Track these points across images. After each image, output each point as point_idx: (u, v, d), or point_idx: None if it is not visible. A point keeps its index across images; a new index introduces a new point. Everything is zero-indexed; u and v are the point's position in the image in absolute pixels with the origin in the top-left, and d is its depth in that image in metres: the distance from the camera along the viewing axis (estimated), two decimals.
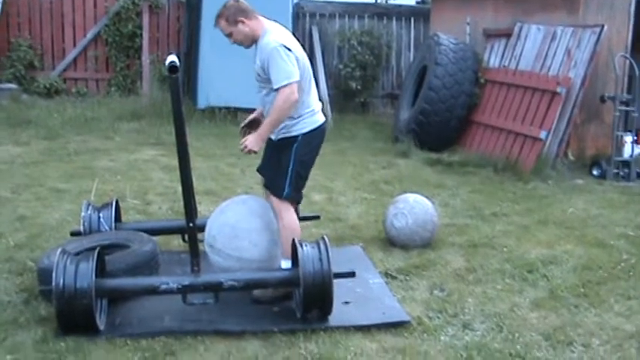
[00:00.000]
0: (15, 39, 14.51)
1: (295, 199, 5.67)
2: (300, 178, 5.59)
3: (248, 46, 5.50)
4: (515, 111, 10.80)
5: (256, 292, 5.52)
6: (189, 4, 14.66)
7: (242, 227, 5.55)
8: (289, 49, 5.33)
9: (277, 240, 5.55)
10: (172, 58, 4.65)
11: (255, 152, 5.39)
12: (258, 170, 5.94)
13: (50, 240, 6.74)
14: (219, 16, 5.49)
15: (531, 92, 10.60)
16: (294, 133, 5.48)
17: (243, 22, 5.43)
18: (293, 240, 5.30)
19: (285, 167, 5.49)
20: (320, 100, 5.86)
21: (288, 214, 5.50)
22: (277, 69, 5.25)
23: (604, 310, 5.62)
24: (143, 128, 12.26)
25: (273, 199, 5.51)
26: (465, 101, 11.37)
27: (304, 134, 5.50)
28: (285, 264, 5.44)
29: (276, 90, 5.26)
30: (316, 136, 5.60)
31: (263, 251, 5.54)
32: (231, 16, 5.43)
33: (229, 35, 5.52)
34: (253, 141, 5.34)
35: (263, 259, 5.53)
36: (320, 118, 5.64)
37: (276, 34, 5.41)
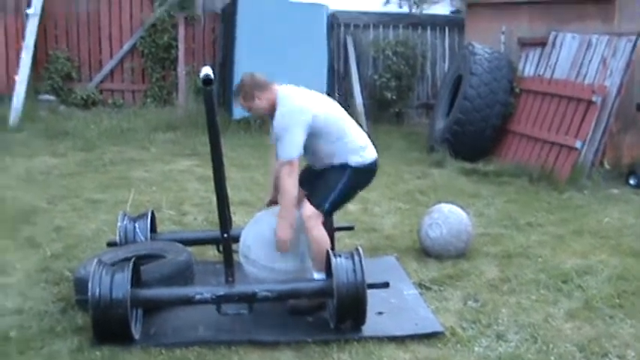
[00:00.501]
0: (53, 51, 14.67)
1: (327, 215, 5.71)
2: (342, 201, 5.68)
3: (271, 116, 5.57)
4: (550, 120, 10.74)
5: (292, 302, 5.53)
6: (224, 15, 14.75)
7: (270, 235, 5.56)
8: (303, 112, 5.43)
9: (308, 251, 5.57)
10: (207, 70, 4.69)
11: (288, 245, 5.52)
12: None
13: (86, 250, 6.81)
14: (237, 94, 5.61)
15: (566, 101, 10.53)
16: (348, 162, 5.57)
17: (259, 98, 5.53)
18: (327, 251, 5.32)
19: (335, 183, 5.56)
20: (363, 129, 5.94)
21: (318, 227, 5.50)
22: (282, 144, 5.40)
23: None
24: (178, 139, 12.32)
25: (305, 210, 5.51)
26: (499, 111, 11.33)
27: (358, 167, 5.60)
28: (318, 277, 5.46)
29: (278, 159, 5.44)
30: (367, 172, 5.71)
31: (297, 262, 5.57)
32: (248, 93, 5.55)
33: (249, 110, 5.68)
34: (282, 233, 5.46)
35: (297, 269, 5.55)
36: (370, 155, 5.72)
37: (287, 104, 5.50)
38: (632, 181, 10.08)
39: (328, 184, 5.57)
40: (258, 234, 5.65)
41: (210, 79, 4.67)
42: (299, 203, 5.57)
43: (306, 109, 5.46)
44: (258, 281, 5.49)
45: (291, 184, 5.39)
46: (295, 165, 5.39)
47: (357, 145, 5.64)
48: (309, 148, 5.50)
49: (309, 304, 5.54)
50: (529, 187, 9.79)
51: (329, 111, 5.65)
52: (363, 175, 5.68)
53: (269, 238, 5.55)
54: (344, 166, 5.57)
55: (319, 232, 5.50)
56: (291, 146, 5.36)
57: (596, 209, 8.80)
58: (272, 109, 5.53)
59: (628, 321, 5.57)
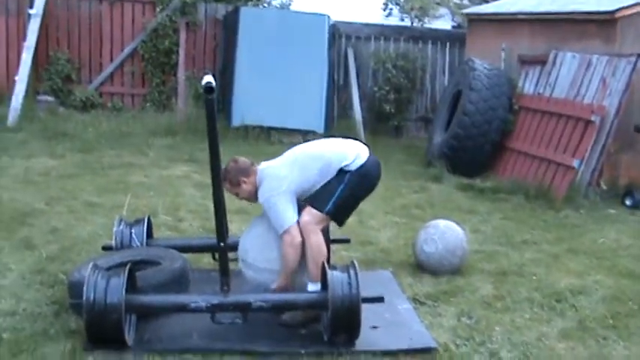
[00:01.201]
0: (54, 52, 14.68)
1: (337, 220, 5.75)
2: (346, 203, 5.65)
3: (256, 200, 5.69)
4: (548, 138, 10.78)
5: (285, 316, 5.52)
6: (226, 22, 14.78)
7: (272, 238, 5.57)
8: (280, 184, 5.52)
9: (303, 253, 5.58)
10: (209, 78, 4.68)
11: None
12: None
13: (82, 253, 6.80)
14: (224, 180, 5.61)
15: (565, 120, 10.57)
16: (344, 169, 5.58)
17: (245, 182, 5.64)
18: (323, 263, 5.32)
19: (334, 187, 5.55)
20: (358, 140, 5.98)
21: (315, 236, 5.49)
22: (273, 219, 5.51)
23: (633, 343, 5.58)
24: (177, 144, 12.33)
25: (304, 218, 5.50)
26: (498, 127, 11.35)
27: (357, 168, 5.59)
28: (312, 287, 5.45)
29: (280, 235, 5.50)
30: (368, 173, 5.69)
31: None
32: (233, 179, 5.66)
33: (236, 195, 5.77)
34: (282, 282, 5.56)
35: (295, 271, 5.55)
36: (364, 154, 5.70)
37: (265, 184, 5.59)
38: (628, 202, 10.12)
39: (329, 187, 5.56)
40: (254, 237, 5.68)
41: (212, 88, 4.65)
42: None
43: (282, 182, 5.52)
44: (257, 284, 5.54)
45: (291, 254, 5.44)
46: (293, 232, 5.44)
47: (346, 156, 5.62)
48: (302, 193, 5.58)
49: (302, 318, 5.53)
50: (526, 204, 9.81)
51: (305, 158, 5.70)
52: (364, 177, 5.64)
53: (266, 241, 5.57)
54: (341, 173, 5.57)
55: (317, 239, 5.49)
56: (283, 218, 5.45)
57: (592, 229, 8.82)
58: (256, 191, 5.65)
59: (621, 342, 5.57)
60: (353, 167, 5.57)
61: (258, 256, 5.60)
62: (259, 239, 5.62)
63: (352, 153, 5.65)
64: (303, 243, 5.46)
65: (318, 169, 5.56)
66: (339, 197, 5.54)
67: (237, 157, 5.74)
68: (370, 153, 5.76)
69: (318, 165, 5.58)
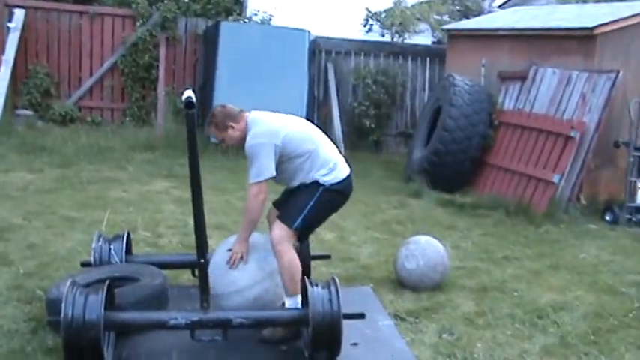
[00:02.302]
0: (33, 66, 14.59)
1: (301, 235, 5.70)
2: (313, 220, 5.62)
3: (243, 146, 5.58)
4: (528, 154, 10.80)
5: (265, 332, 5.49)
6: (206, 37, 14.76)
7: (223, 261, 5.53)
8: (271, 135, 5.45)
9: (267, 257, 5.54)
10: (189, 93, 4.66)
11: (243, 256, 5.52)
12: (273, 203, 5.93)
13: (60, 269, 6.74)
14: (209, 124, 5.64)
15: (545, 136, 10.60)
16: (319, 180, 5.55)
17: (232, 127, 5.57)
18: (303, 279, 5.29)
19: (304, 203, 5.52)
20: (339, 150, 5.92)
21: (288, 253, 5.44)
22: (251, 166, 5.44)
23: (614, 359, 5.58)
24: (156, 159, 12.28)
25: (275, 234, 5.48)
26: (478, 143, 11.37)
27: (332, 184, 5.57)
28: (289, 302, 5.43)
29: (249, 182, 5.44)
30: (341, 192, 5.67)
31: (256, 270, 5.50)
32: (220, 123, 5.60)
33: (222, 141, 5.70)
34: (237, 246, 5.51)
35: (260, 277, 5.49)
36: (342, 173, 5.68)
37: (256, 129, 5.52)
38: (608, 217, 10.15)
39: (299, 202, 5.55)
40: (212, 270, 5.49)
41: (193, 103, 4.63)
42: (271, 225, 5.58)
43: (274, 132, 5.48)
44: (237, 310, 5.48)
45: (254, 205, 5.41)
46: (263, 187, 5.39)
47: (328, 163, 5.61)
48: (279, 167, 5.49)
49: (282, 334, 5.49)
50: (506, 220, 9.81)
51: (299, 130, 5.66)
52: (336, 194, 5.64)
53: (220, 267, 5.52)
54: (315, 184, 5.55)
55: (290, 258, 5.43)
56: (260, 169, 5.38)
57: (572, 244, 8.83)
58: (244, 138, 5.54)
59: (602, 358, 5.58)
60: (327, 181, 5.55)
61: (220, 283, 5.51)
62: (216, 270, 5.53)
63: (336, 163, 5.65)
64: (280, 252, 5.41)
65: (306, 149, 5.53)
66: (309, 213, 5.52)
67: (224, 103, 5.70)
68: (350, 171, 5.76)
69: (308, 146, 5.56)
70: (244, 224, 5.49)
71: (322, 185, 5.54)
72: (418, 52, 16.02)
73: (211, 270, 5.43)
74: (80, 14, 14.98)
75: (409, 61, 15.86)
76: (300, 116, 6.02)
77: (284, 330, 5.47)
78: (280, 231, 5.46)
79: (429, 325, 6.04)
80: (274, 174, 5.41)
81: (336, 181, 5.60)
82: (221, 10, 15.67)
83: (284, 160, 5.49)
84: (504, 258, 8.08)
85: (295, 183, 5.61)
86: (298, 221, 5.50)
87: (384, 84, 15.21)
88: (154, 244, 7.79)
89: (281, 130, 5.50)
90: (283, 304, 5.49)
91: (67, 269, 6.67)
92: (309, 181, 5.56)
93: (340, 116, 14.63)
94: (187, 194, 5.16)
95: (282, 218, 5.54)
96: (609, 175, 10.75)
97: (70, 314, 4.76)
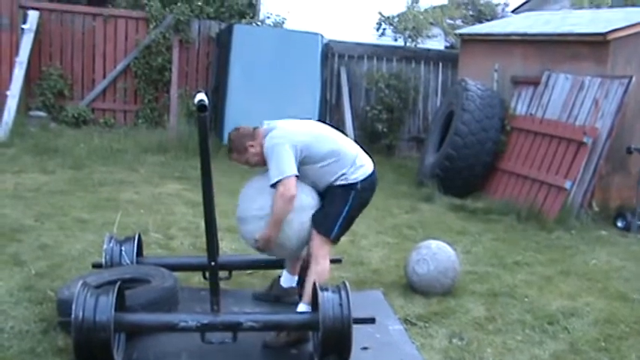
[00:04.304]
0: (46, 68, 14.65)
1: (336, 242, 5.72)
2: (349, 224, 5.68)
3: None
4: (540, 159, 10.78)
5: (268, 338, 5.48)
6: (219, 40, 14.79)
7: (258, 186, 5.59)
8: (288, 136, 5.46)
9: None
10: (201, 96, 4.66)
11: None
12: None
13: (71, 270, 6.75)
14: (230, 152, 5.69)
15: (557, 141, 10.58)
16: (351, 181, 5.57)
17: (252, 145, 5.60)
18: (314, 284, 5.29)
19: (339, 210, 5.54)
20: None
21: (325, 260, 5.53)
22: (271, 166, 5.41)
23: None
24: (168, 162, 12.30)
25: (315, 243, 5.51)
26: (490, 148, 11.36)
27: (361, 182, 5.60)
28: (303, 307, 5.45)
29: (273, 186, 5.38)
30: (370, 187, 5.71)
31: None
32: (239, 146, 5.65)
33: (246, 163, 5.72)
34: (263, 243, 5.53)
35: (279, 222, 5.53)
36: (369, 168, 5.73)
37: (272, 133, 5.53)
38: (619, 224, 10.12)
39: (333, 210, 5.56)
40: (247, 189, 5.69)
41: (205, 106, 4.63)
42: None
43: (291, 133, 5.50)
44: (254, 238, 5.56)
45: (280, 205, 5.37)
46: (287, 185, 5.34)
47: (354, 160, 5.64)
48: (304, 172, 5.48)
49: (287, 340, 5.48)
50: (517, 225, 9.79)
51: (320, 132, 5.68)
52: (365, 192, 5.67)
53: (258, 190, 5.58)
54: (348, 187, 5.56)
55: (324, 267, 5.53)
56: (283, 167, 5.35)
57: (583, 250, 8.81)
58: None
59: None
60: (356, 178, 5.58)
61: (249, 205, 5.59)
62: (251, 190, 5.64)
63: (360, 158, 5.69)
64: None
65: (328, 150, 5.54)
66: (344, 221, 5.57)
67: (237, 126, 5.71)
68: (373, 164, 5.80)
69: (330, 146, 5.57)
70: (270, 223, 5.45)
71: (353, 187, 5.56)
72: (431, 57, 16.02)
73: (246, 190, 5.68)
74: (94, 16, 15.03)
75: (422, 66, 15.86)
76: (313, 119, 6.02)
77: (287, 336, 5.46)
78: (320, 242, 5.53)
79: (439, 330, 6.03)
80: (296, 172, 5.38)
81: (364, 177, 5.64)
82: (234, 12, 15.68)
83: (308, 162, 5.49)
84: (515, 263, 8.06)
85: (325, 185, 5.61)
86: (335, 230, 5.55)
87: (396, 88, 15.20)
88: (165, 247, 7.79)
89: (298, 132, 5.53)
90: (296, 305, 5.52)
91: (78, 270, 6.67)
92: (338, 183, 5.57)
93: (352, 120, 14.63)
94: (199, 196, 5.16)
95: (318, 229, 5.55)
96: (621, 182, 10.72)
97: (80, 315, 4.77)
